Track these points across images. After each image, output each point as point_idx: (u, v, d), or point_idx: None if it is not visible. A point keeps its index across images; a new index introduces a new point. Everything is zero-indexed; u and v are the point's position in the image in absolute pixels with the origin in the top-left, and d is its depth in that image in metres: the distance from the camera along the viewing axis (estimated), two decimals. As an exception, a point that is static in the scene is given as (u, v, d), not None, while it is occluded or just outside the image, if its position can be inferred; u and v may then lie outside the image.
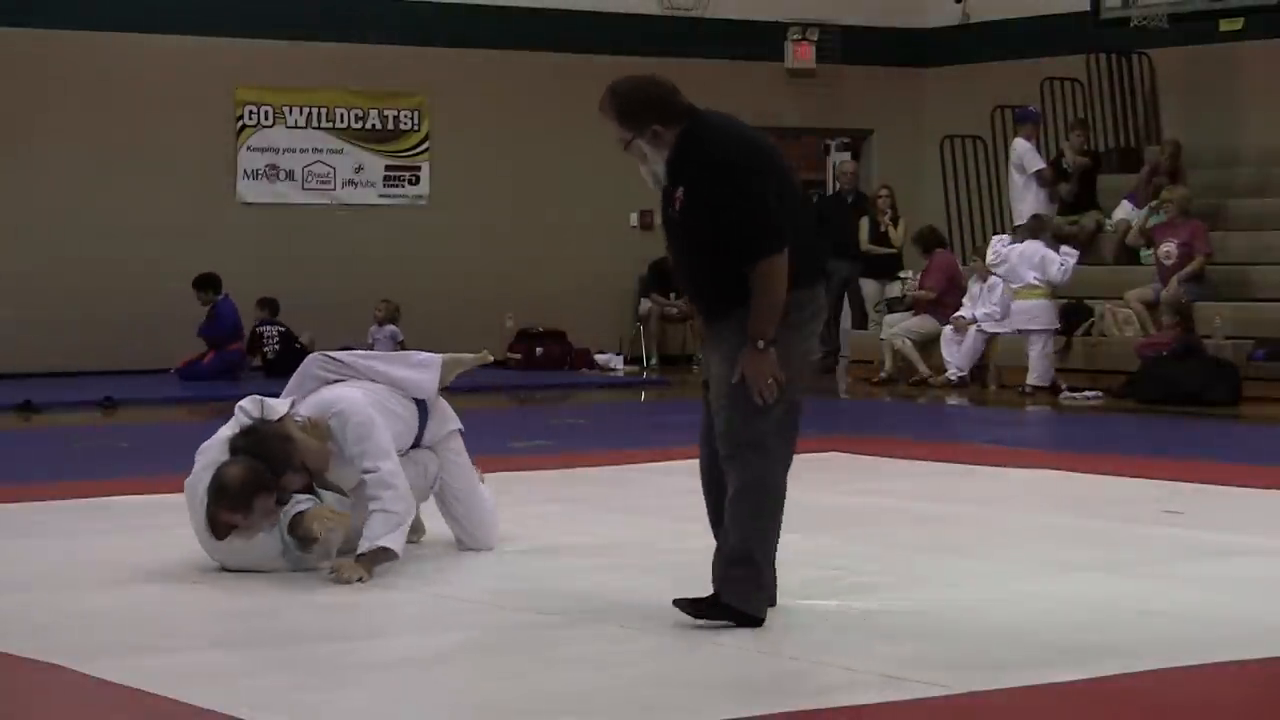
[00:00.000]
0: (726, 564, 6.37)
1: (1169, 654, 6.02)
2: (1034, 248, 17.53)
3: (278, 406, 7.56)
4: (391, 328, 19.08)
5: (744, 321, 6.31)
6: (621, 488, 10.27)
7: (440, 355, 8.14)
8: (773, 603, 6.48)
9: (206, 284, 18.58)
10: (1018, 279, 17.41)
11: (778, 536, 6.43)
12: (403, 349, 18.74)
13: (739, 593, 6.33)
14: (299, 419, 7.52)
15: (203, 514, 7.31)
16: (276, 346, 18.67)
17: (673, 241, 6.53)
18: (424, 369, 8.01)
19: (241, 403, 7.62)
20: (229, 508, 7.23)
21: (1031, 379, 17.06)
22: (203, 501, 7.30)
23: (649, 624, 6.37)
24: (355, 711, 5.43)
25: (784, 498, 6.42)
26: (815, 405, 15.91)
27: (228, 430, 7.50)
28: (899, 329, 18.31)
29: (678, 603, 6.38)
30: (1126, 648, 6.12)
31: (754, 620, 6.32)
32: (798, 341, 6.41)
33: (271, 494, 7.28)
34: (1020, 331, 17.33)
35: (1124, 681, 5.69)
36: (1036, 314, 17.28)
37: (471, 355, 8.46)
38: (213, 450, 7.47)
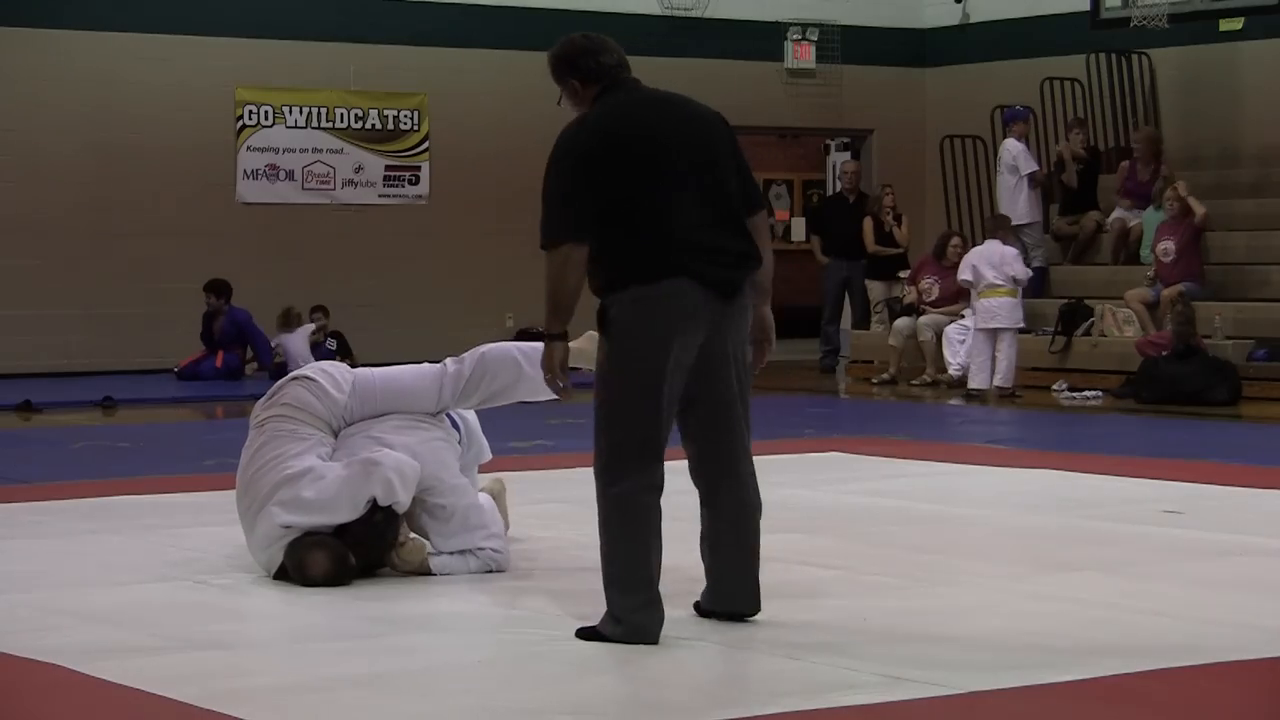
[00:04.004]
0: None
1: (1169, 654, 6.02)
2: (992, 247, 17.35)
3: (405, 503, 7.24)
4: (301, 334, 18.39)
5: (606, 311, 6.13)
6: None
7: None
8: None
9: (220, 290, 18.53)
10: (981, 280, 17.19)
11: (646, 555, 6.15)
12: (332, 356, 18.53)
13: (604, 621, 6.14)
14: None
15: (285, 556, 7.20)
16: (334, 344, 18.57)
17: None
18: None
19: (388, 477, 7.12)
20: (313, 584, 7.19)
21: (997, 380, 16.89)
22: (287, 536, 7.18)
23: (649, 624, 6.35)
24: (355, 712, 5.42)
25: (649, 514, 6.14)
26: (815, 405, 15.79)
27: (369, 496, 7.13)
28: (925, 320, 18.08)
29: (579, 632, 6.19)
30: (1126, 648, 6.12)
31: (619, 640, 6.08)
32: (644, 341, 6.03)
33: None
34: (982, 330, 17.04)
35: (1124, 681, 5.68)
36: (1001, 312, 17.09)
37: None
38: (330, 487, 7.15)
